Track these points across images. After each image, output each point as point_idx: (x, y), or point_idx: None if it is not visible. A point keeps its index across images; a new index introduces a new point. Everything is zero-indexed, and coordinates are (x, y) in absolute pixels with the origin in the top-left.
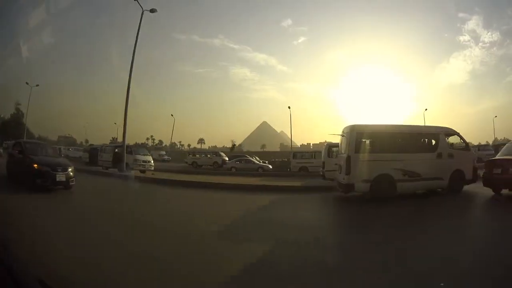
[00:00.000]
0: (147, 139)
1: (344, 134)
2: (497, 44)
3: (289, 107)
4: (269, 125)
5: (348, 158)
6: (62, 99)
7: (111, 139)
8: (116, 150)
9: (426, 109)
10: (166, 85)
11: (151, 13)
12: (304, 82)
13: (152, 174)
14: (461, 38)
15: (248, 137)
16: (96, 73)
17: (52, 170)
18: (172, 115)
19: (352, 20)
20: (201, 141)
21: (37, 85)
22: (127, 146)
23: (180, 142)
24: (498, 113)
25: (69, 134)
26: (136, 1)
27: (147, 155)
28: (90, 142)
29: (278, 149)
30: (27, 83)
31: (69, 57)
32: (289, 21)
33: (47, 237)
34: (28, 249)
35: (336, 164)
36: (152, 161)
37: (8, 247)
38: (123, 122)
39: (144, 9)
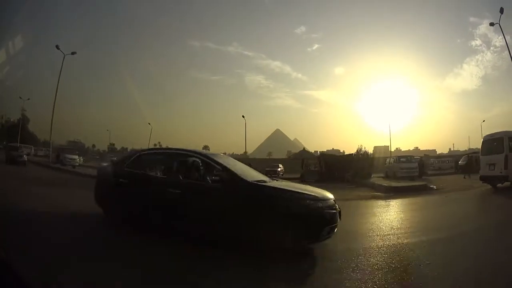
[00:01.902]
0: (154, 145)
1: (492, 138)
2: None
3: (243, 116)
4: (282, 132)
5: (506, 157)
6: (69, 107)
7: (109, 144)
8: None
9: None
10: (180, 91)
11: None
12: (320, 89)
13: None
14: (473, 42)
15: (261, 144)
16: (101, 80)
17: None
18: (149, 124)
19: (366, 27)
20: (205, 148)
21: (28, 99)
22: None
23: None
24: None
25: (78, 139)
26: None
27: (74, 155)
28: (96, 147)
29: (286, 157)
30: (20, 97)
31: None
32: (303, 28)
33: None
34: None
35: (487, 163)
36: (77, 159)
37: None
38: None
39: (65, 54)
